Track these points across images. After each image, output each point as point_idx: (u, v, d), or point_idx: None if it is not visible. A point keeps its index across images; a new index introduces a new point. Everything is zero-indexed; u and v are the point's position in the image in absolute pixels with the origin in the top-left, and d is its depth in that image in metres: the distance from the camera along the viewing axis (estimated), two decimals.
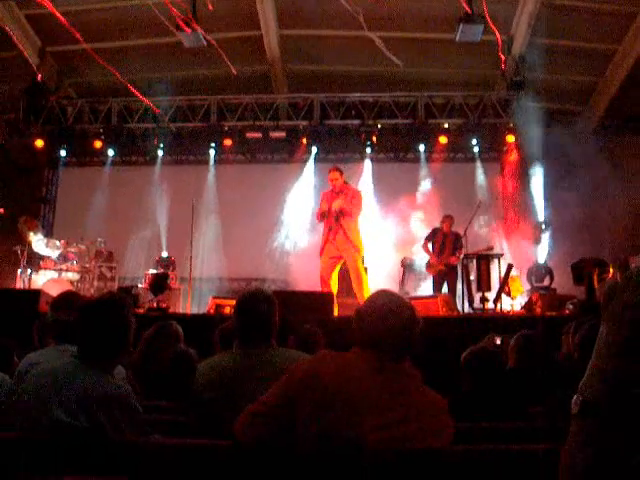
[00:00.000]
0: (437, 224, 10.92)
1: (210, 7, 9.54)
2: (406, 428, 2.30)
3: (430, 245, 10.73)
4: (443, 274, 10.44)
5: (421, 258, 11.63)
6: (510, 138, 13.02)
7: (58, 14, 9.46)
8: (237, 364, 3.09)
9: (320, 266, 9.00)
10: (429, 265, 10.77)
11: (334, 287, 8.92)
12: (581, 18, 11.20)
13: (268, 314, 3.22)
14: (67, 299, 3.72)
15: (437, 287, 10.42)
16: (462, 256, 10.06)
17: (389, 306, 2.50)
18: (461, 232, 10.56)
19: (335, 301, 8.13)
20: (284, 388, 2.48)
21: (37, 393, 2.64)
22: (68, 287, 10.47)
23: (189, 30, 9.60)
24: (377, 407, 2.33)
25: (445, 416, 2.42)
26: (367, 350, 2.47)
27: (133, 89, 11.28)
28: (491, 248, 10.30)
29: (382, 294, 2.61)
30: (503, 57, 11.96)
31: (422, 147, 13.60)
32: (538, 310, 9.35)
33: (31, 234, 11.15)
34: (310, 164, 13.72)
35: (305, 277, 11.44)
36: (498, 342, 4.91)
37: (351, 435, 2.28)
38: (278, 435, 2.40)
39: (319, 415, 2.34)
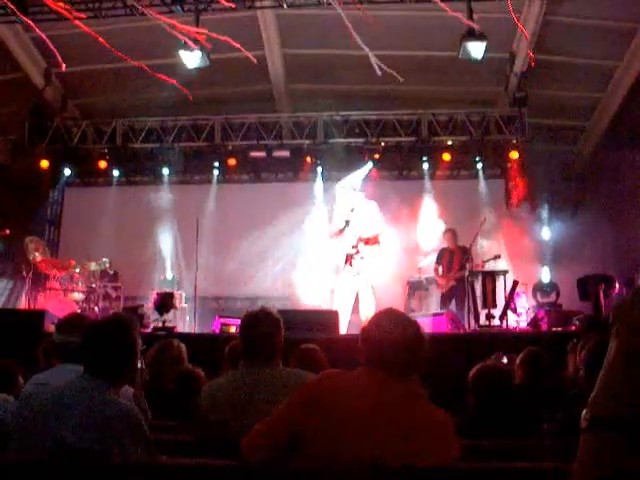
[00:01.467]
0: (440, 242, 10.93)
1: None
2: (411, 446, 2.29)
3: (439, 267, 10.71)
4: (452, 290, 10.41)
5: (426, 276, 11.61)
6: (514, 155, 13.03)
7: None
8: (242, 384, 3.09)
9: None
10: (438, 285, 10.77)
11: None
12: (582, 35, 11.23)
13: (273, 333, 3.22)
14: (73, 321, 3.73)
15: (445, 304, 10.40)
16: (467, 273, 10.03)
17: (394, 324, 2.51)
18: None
19: (339, 319, 8.15)
20: (291, 407, 2.48)
21: (43, 414, 2.64)
22: (73, 308, 10.49)
23: (192, 50, 9.65)
24: (382, 425, 2.33)
25: (451, 434, 2.41)
26: (372, 368, 2.47)
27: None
28: (498, 257, 10.25)
29: (387, 312, 2.62)
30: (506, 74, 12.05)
31: (425, 165, 13.60)
32: (544, 326, 9.33)
33: (36, 254, 11.19)
34: (319, 183, 13.72)
35: (310, 295, 11.45)
36: (505, 361, 4.89)
37: (356, 453, 2.28)
38: (285, 454, 2.40)
39: (325, 433, 2.34)
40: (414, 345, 2.48)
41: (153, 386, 4.00)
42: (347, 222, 9.34)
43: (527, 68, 12.00)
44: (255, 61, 9.79)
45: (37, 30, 9.05)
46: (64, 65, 8.98)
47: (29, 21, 9.34)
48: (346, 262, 9.29)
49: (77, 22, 8.74)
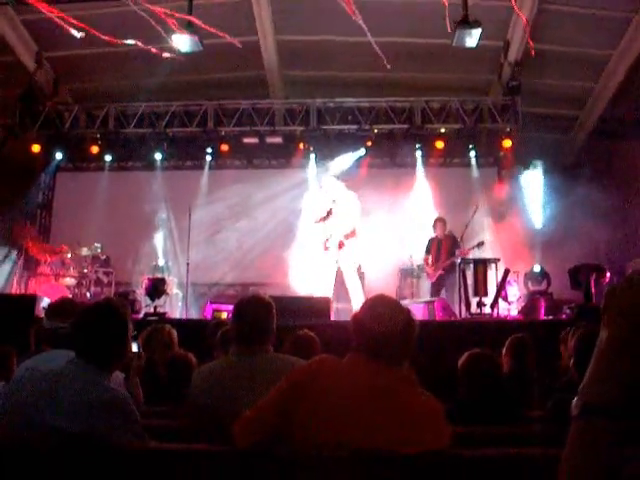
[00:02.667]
0: (431, 229, 10.93)
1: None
2: (401, 432, 2.30)
3: (429, 257, 10.72)
4: (442, 279, 10.43)
5: (418, 263, 11.64)
6: (507, 143, 13.02)
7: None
8: (233, 369, 3.10)
9: None
10: (427, 275, 10.78)
11: None
12: (576, 24, 11.22)
13: (265, 319, 3.23)
14: (63, 306, 3.72)
15: (435, 292, 10.42)
16: (459, 260, 10.05)
17: (385, 310, 2.51)
18: (458, 237, 10.56)
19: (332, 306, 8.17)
20: (282, 393, 2.48)
21: (33, 398, 2.63)
22: (65, 293, 10.47)
23: (185, 35, 9.60)
24: (373, 411, 2.34)
25: (441, 421, 2.42)
26: (364, 354, 2.47)
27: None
28: (482, 243, 10.28)
29: (379, 299, 2.62)
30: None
31: (418, 152, 13.61)
32: (535, 314, 9.37)
33: (28, 240, 11.17)
34: (311, 169, 13.71)
35: (303, 282, 11.46)
36: None
37: (346, 439, 2.29)
38: (276, 440, 2.41)
39: (315, 419, 2.35)
40: (405, 331, 2.49)
41: (144, 371, 4.00)
42: (329, 212, 9.41)
43: (521, 57, 12.00)
44: (240, 46, 9.78)
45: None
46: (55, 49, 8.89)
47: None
48: (325, 249, 9.44)
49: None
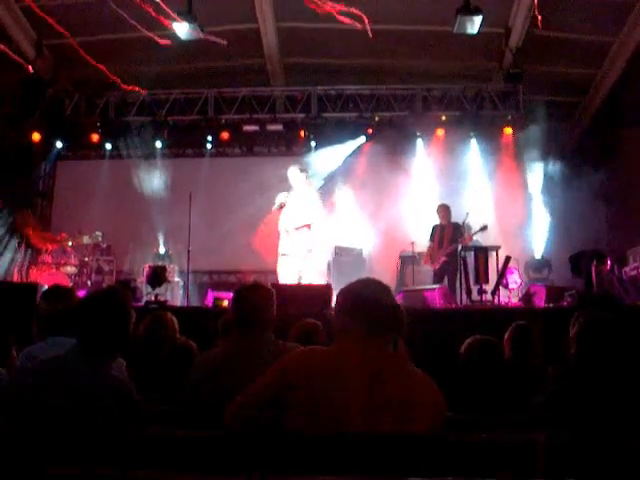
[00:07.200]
0: (433, 217, 10.89)
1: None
2: (404, 409, 2.32)
3: (432, 244, 10.67)
4: (445, 266, 10.39)
5: (419, 250, 11.62)
6: (508, 130, 13.00)
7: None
8: (233, 356, 3.11)
9: None
10: (429, 261, 10.73)
11: None
12: (578, 10, 11.16)
13: (264, 306, 3.24)
14: (58, 290, 3.72)
15: (437, 279, 10.39)
16: (460, 247, 10.02)
17: (370, 291, 2.58)
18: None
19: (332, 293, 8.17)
20: (273, 376, 2.50)
21: (36, 386, 2.63)
22: (66, 281, 10.48)
23: (185, 23, 9.57)
24: (364, 390, 2.34)
25: (438, 393, 2.44)
26: (352, 337, 2.50)
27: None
28: (485, 227, 10.23)
29: (363, 282, 2.69)
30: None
31: (419, 140, 13.58)
32: (536, 302, 9.36)
33: (31, 229, 11.17)
34: (312, 157, 13.66)
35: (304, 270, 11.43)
36: None
37: (338, 418, 2.29)
38: (266, 422, 2.42)
39: (309, 403, 2.35)
40: (392, 308, 2.54)
41: (146, 358, 4.00)
42: (281, 205, 9.56)
43: (523, 43, 11.95)
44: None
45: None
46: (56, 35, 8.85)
47: None
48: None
49: None
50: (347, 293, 2.62)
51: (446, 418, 2.46)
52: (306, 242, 9.42)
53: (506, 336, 4.58)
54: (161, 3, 9.02)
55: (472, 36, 10.01)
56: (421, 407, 2.36)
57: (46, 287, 7.80)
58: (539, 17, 9.78)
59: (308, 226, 9.48)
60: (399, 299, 10.04)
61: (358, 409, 2.31)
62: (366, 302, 2.52)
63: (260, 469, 2.07)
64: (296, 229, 9.47)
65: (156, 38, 9.74)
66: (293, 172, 9.69)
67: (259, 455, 2.26)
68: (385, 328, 2.49)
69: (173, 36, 10.11)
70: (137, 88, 12.30)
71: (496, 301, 9.33)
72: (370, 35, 8.92)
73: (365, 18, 9.39)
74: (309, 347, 2.64)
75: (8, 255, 12.36)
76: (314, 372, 2.41)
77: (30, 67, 11.94)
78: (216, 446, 2.36)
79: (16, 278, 10.98)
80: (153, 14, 9.19)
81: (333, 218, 12.16)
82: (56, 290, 3.73)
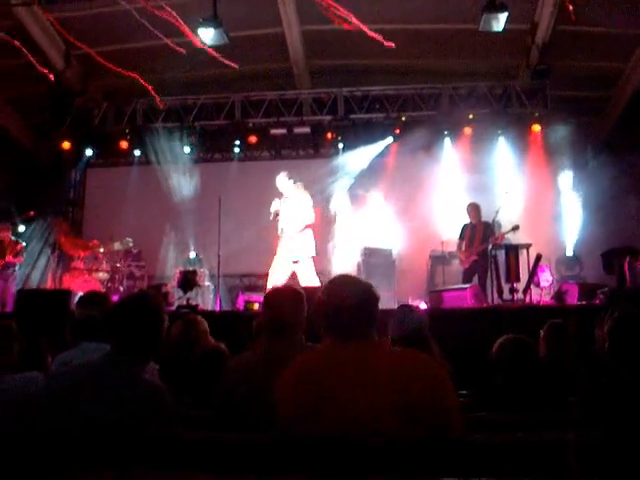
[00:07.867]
0: (463, 215, 10.82)
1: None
2: (407, 399, 2.29)
3: (462, 243, 10.60)
4: (475, 265, 10.30)
5: (449, 250, 11.57)
6: (536, 127, 12.89)
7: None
8: (264, 360, 3.12)
9: None
10: (460, 261, 10.66)
11: None
12: (606, 3, 11.02)
13: (294, 309, 3.24)
14: (94, 296, 3.77)
15: (467, 279, 10.32)
16: (490, 246, 9.93)
17: (340, 287, 2.61)
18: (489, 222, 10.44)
19: None
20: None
21: (71, 390, 2.67)
22: (98, 287, 10.60)
23: (211, 29, 9.61)
24: (351, 385, 2.35)
25: (428, 370, 2.43)
26: (333, 336, 2.51)
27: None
28: (517, 227, 10.10)
29: (336, 278, 2.73)
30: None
31: (447, 138, 13.53)
32: (568, 300, 9.27)
33: (64, 236, 11.32)
34: (340, 159, 13.66)
35: (336, 272, 11.43)
36: None
37: (328, 414, 2.30)
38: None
39: (306, 413, 2.36)
40: (364, 301, 2.55)
41: (177, 362, 4.03)
42: (276, 213, 9.78)
43: (549, 39, 11.84)
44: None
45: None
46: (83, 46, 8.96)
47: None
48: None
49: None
50: (320, 299, 2.63)
51: (459, 398, 2.43)
52: (308, 244, 9.51)
53: (542, 334, 4.55)
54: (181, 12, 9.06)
55: (497, 33, 9.93)
56: (419, 382, 2.33)
57: (80, 294, 7.92)
58: (571, 7, 9.59)
59: (310, 227, 9.53)
60: (426, 300, 10.07)
61: (358, 408, 2.30)
62: (332, 305, 2.55)
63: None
64: (299, 232, 9.57)
65: (176, 47, 9.77)
66: (281, 180, 9.88)
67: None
68: (356, 325, 2.50)
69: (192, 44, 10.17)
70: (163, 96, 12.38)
71: (528, 300, 9.26)
72: (393, 46, 8.85)
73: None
74: (299, 358, 2.64)
75: (42, 262, 12.54)
76: (308, 381, 2.44)
77: (56, 77, 12.10)
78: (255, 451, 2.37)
79: (50, 285, 11.13)
80: (177, 23, 9.24)
81: (362, 219, 12.16)
82: (92, 296, 3.79)
